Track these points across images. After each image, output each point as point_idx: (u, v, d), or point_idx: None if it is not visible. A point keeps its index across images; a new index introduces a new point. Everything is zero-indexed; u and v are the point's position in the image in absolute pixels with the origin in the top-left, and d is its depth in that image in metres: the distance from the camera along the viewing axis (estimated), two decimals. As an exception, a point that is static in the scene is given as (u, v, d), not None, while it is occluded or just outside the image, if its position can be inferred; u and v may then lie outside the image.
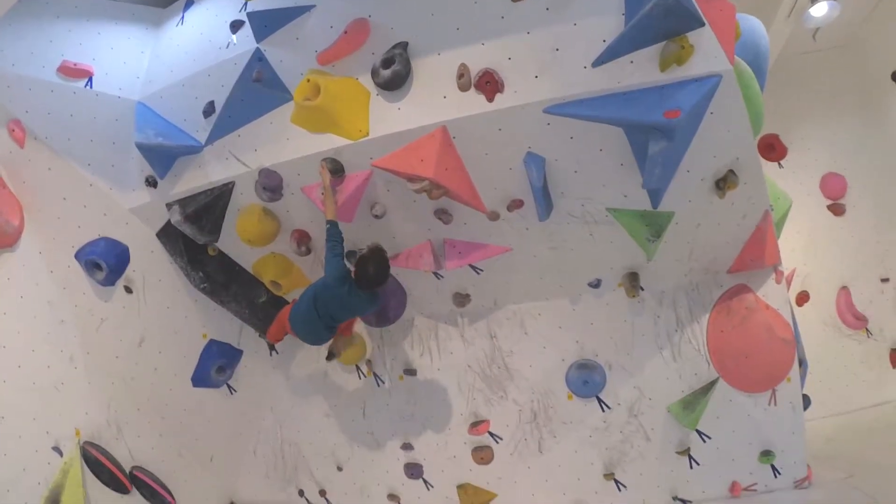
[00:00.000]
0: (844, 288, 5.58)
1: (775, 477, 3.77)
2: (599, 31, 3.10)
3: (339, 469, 4.74)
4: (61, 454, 4.04)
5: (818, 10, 4.99)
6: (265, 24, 3.73)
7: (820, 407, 4.67)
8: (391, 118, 3.47)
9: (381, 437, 4.64)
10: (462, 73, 3.30)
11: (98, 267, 4.12)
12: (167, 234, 4.28)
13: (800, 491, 3.73)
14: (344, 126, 3.53)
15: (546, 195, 3.58)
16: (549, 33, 3.18)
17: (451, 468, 4.46)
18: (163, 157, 4.03)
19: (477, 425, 4.38)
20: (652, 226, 3.65)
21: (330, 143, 3.61)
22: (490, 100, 3.29)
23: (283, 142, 3.76)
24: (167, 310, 4.46)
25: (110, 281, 4.20)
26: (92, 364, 4.24)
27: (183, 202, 4.07)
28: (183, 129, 4.03)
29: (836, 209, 5.57)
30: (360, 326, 4.70)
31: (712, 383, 3.89)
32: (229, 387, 4.78)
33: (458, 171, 3.55)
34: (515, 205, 3.73)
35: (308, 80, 3.54)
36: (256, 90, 3.73)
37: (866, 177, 5.70)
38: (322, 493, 4.81)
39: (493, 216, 3.80)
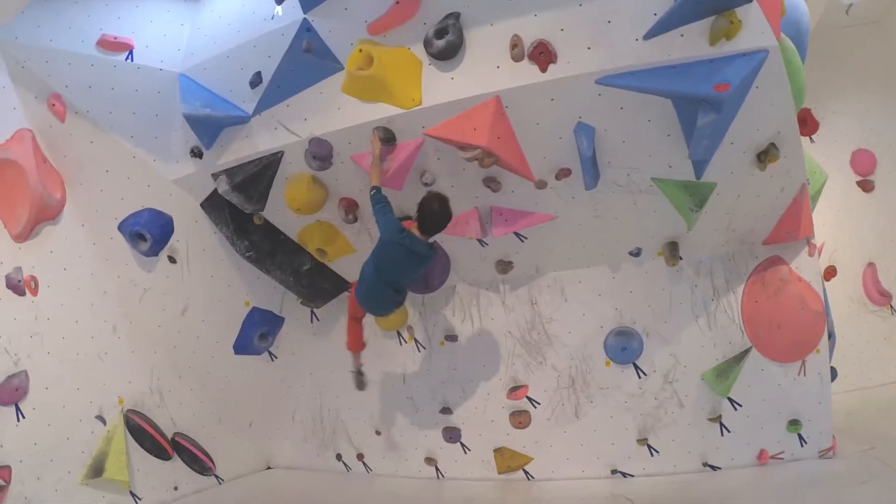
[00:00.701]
0: (871, 264, 5.72)
1: (801, 446, 4.00)
2: (650, 5, 3.25)
3: (378, 433, 4.99)
4: (105, 423, 4.29)
5: None
6: (312, -6, 3.88)
7: (842, 381, 4.88)
8: (444, 87, 3.64)
9: (421, 402, 4.87)
10: (515, 44, 3.46)
11: (142, 238, 4.32)
12: (212, 204, 4.46)
13: (824, 461, 3.95)
14: (397, 95, 3.69)
15: (594, 164, 3.76)
16: (601, 6, 3.32)
17: (488, 432, 4.70)
18: (209, 128, 4.19)
19: (516, 390, 4.61)
20: (695, 196, 3.83)
21: (382, 111, 3.78)
22: (543, 70, 3.45)
23: (333, 111, 3.92)
24: (211, 279, 4.67)
25: (154, 251, 4.40)
26: (135, 333, 4.48)
27: (230, 172, 4.24)
28: (229, 100, 4.17)
29: (866, 185, 5.74)
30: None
31: (745, 352, 4.11)
32: (270, 354, 5.02)
33: (510, 139, 3.72)
34: (563, 173, 3.91)
35: (360, 50, 3.69)
36: (306, 60, 3.86)
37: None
38: (360, 456, 5.06)
39: (541, 184, 3.99)
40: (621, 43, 3.31)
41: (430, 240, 3.81)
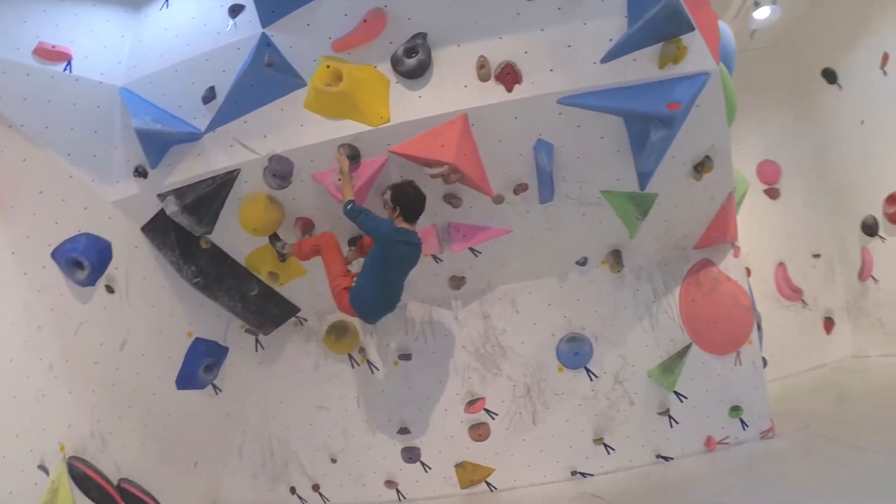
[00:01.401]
0: (781, 264, 6.68)
1: (744, 430, 4.50)
2: (606, 31, 3.65)
3: (333, 461, 4.87)
4: (48, 473, 3.83)
5: (761, 14, 6.12)
6: (272, 9, 3.88)
7: (768, 370, 5.49)
8: (412, 106, 3.78)
9: (377, 424, 4.84)
10: (483, 65, 3.70)
11: (79, 265, 3.95)
12: (156, 228, 4.22)
13: (766, 441, 4.47)
14: (365, 112, 3.77)
15: (551, 179, 4.06)
16: (562, 31, 3.68)
17: (448, 448, 4.77)
18: (157, 146, 4.00)
19: (473, 403, 4.74)
20: (640, 206, 4.27)
21: (348, 129, 3.82)
22: (509, 90, 3.72)
23: (296, 128, 3.90)
24: (151, 308, 4.37)
25: (91, 280, 4.04)
26: (72, 371, 4.05)
27: (179, 192, 4.05)
28: (178, 116, 4.02)
29: (772, 193, 6.70)
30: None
31: (686, 348, 4.58)
32: (214, 386, 4.75)
33: (473, 156, 3.92)
34: (521, 188, 4.18)
35: (328, 66, 3.74)
36: (266, 76, 3.84)
37: (798, 164, 6.90)
38: (315, 487, 4.90)
39: (499, 199, 4.21)
40: (580, 66, 3.68)
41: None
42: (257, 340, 4.92)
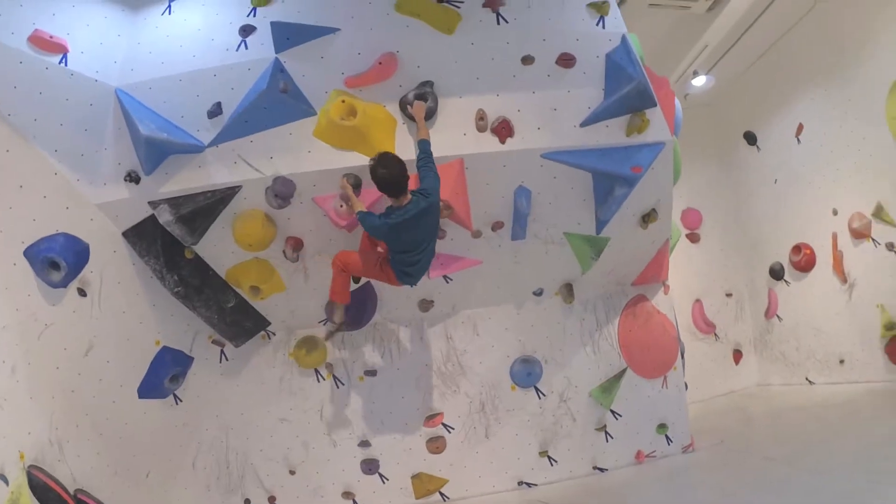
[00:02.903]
0: (698, 301, 8.06)
1: (668, 444, 5.45)
2: (585, 100, 4.51)
3: (292, 473, 5.18)
4: (7, 482, 3.82)
5: (698, 82, 7.53)
6: (287, 36, 4.32)
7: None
8: (414, 147, 4.34)
9: (339, 437, 5.23)
10: (481, 117, 4.39)
11: (55, 266, 4.04)
12: (140, 234, 4.39)
13: (687, 455, 5.44)
14: (373, 147, 4.26)
15: (526, 220, 4.81)
16: (550, 96, 4.48)
17: (406, 460, 5.27)
18: (155, 153, 4.20)
19: (432, 418, 5.31)
20: (595, 247, 5.13)
21: (355, 160, 4.31)
22: (503, 142, 4.43)
23: (303, 153, 4.31)
24: (122, 315, 4.50)
25: (64, 282, 4.13)
26: (34, 376, 4.07)
27: (175, 202, 4.27)
28: (179, 126, 4.26)
29: (693, 237, 8.06)
30: (320, 331, 5.24)
31: (623, 371, 5.48)
32: (175, 397, 4.89)
33: (463, 195, 4.56)
34: (497, 226, 4.88)
35: (343, 101, 4.22)
36: (279, 100, 4.23)
37: (717, 213, 8.38)
38: (271, 499, 5.17)
39: (477, 234, 4.88)
40: (563, 127, 4.49)
41: (415, 193, 4.08)
42: (222, 352, 5.15)
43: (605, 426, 5.41)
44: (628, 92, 4.39)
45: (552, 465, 5.36)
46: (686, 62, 7.17)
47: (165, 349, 4.77)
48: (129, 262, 4.48)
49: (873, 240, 6.40)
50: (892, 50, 5.80)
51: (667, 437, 5.44)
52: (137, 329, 4.60)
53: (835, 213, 6.91)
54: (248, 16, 4.46)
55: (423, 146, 4.14)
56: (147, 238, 4.40)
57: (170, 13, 4.50)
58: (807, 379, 7.45)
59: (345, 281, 4.48)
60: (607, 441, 5.40)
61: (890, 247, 6.20)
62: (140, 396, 4.65)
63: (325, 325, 4.78)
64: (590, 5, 4.60)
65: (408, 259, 4.23)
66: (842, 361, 6.93)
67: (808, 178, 7.30)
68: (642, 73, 4.38)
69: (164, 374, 4.73)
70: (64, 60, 4.03)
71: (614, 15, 4.61)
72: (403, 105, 4.35)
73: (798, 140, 7.37)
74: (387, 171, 3.98)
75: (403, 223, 4.03)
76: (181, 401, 4.96)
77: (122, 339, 4.52)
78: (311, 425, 5.25)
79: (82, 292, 4.25)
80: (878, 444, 4.54)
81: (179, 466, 5.07)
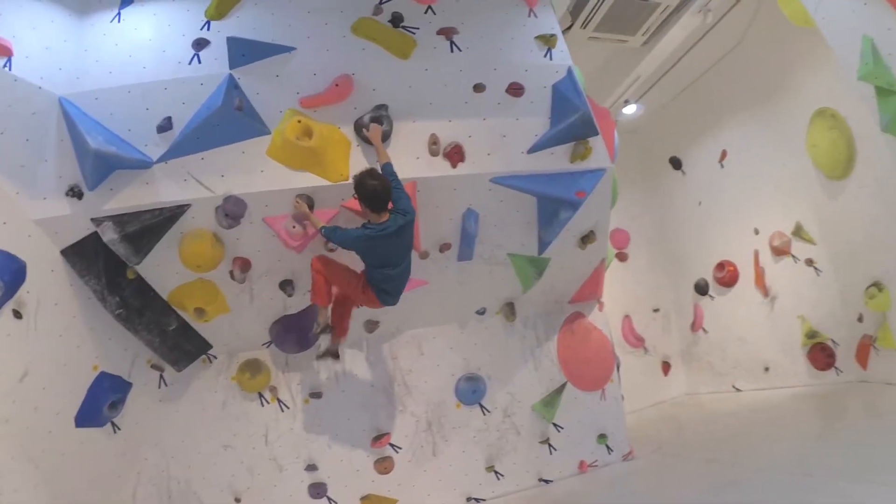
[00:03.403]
0: (627, 316, 8.59)
1: (609, 454, 5.79)
2: (533, 128, 4.84)
3: (237, 500, 5.10)
4: None
5: (629, 110, 8.16)
6: (243, 52, 4.41)
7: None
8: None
9: (285, 462, 5.22)
10: (434, 141, 4.61)
11: (-8, 287, 3.88)
12: (80, 253, 4.28)
13: (627, 462, 5.80)
14: (327, 168, 4.39)
15: (473, 241, 5.05)
16: (500, 123, 4.78)
17: (354, 482, 5.32)
18: (100, 168, 4.13)
19: (379, 438, 5.40)
20: (537, 267, 5.45)
21: (308, 181, 4.41)
22: (454, 166, 4.67)
23: (256, 172, 4.37)
24: (59, 338, 4.33)
25: (-1, 303, 3.98)
26: (-35, 406, 3.90)
27: (119, 219, 4.20)
28: (126, 140, 4.22)
29: (622, 256, 8.59)
30: (264, 354, 5.30)
31: (563, 385, 5.80)
32: (114, 424, 4.74)
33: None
34: (445, 247, 5.10)
35: (299, 121, 4.31)
36: (232, 118, 4.27)
37: (644, 233, 9.01)
38: (216, 528, 5.10)
39: (425, 255, 5.08)
40: (512, 153, 4.79)
41: (393, 212, 4.22)
42: (161, 377, 5.04)
43: (548, 439, 5.69)
44: (573, 121, 4.76)
45: (499, 479, 5.58)
46: (619, 91, 7.73)
47: (103, 375, 4.62)
48: (68, 283, 4.34)
49: (793, 256, 7.17)
50: (812, 85, 6.51)
51: (607, 446, 5.79)
52: (75, 353, 4.44)
53: (756, 232, 7.66)
54: (201, 29, 4.52)
55: (389, 169, 4.31)
56: (88, 257, 4.29)
57: (119, 21, 4.48)
58: (734, 386, 8.13)
59: (322, 282, 4.47)
60: (551, 453, 5.68)
61: (809, 262, 6.95)
62: (77, 425, 4.46)
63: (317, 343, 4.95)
64: (538, 38, 4.97)
65: (385, 274, 4.34)
66: (766, 369, 7.66)
67: (731, 200, 8.05)
68: (586, 104, 4.75)
69: (103, 401, 4.58)
70: (8, 64, 3.92)
71: (561, 48, 5.00)
72: (359, 127, 4.50)
73: (722, 165, 8.12)
74: (378, 182, 4.12)
75: (382, 237, 4.19)
76: (119, 429, 4.80)
77: (59, 365, 4.34)
78: (255, 450, 5.22)
79: (17, 314, 4.05)
80: (808, 442, 5.11)
81: (119, 499, 4.88)
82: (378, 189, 4.12)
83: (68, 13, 4.36)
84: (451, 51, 4.81)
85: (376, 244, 4.18)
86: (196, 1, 4.69)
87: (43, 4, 4.25)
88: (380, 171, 4.27)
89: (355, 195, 4.21)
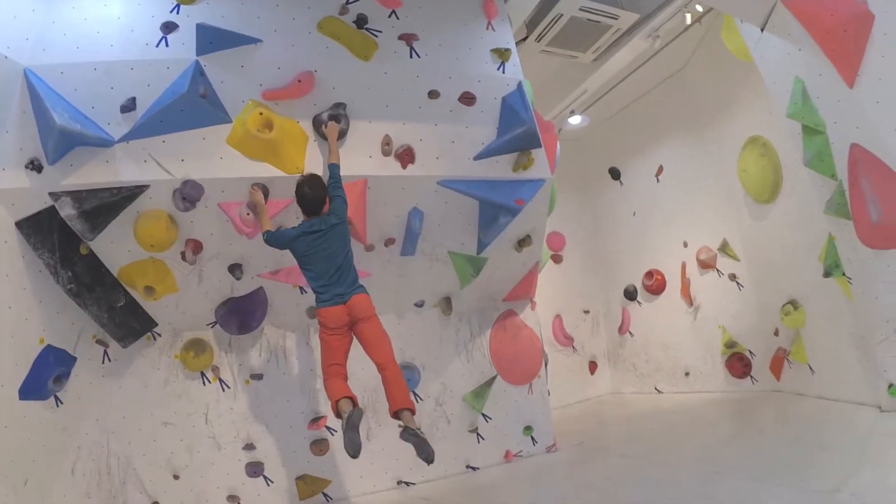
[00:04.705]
0: (558, 316, 9.42)
1: (534, 445, 6.47)
2: (480, 137, 5.45)
3: (176, 477, 5.45)
4: None
5: (574, 120, 8.91)
6: (210, 40, 4.76)
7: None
8: (324, 163, 4.97)
9: (223, 441, 5.62)
10: (388, 142, 5.13)
11: (-58, 255, 4.13)
12: (35, 226, 4.53)
13: (551, 454, 6.49)
14: (283, 160, 4.83)
15: (416, 238, 5.59)
16: (450, 129, 5.36)
17: (290, 462, 5.78)
18: (62, 143, 4.34)
19: (316, 421, 5.87)
20: (475, 266, 6.07)
21: (265, 171, 4.84)
22: (404, 167, 5.21)
23: (215, 159, 4.74)
24: (8, 310, 4.53)
25: (-53, 274, 4.22)
26: None
27: (78, 195, 4.48)
28: (89, 117, 4.47)
29: (556, 258, 9.40)
30: (208, 334, 5.68)
31: (493, 378, 6.44)
32: (56, 398, 5.01)
33: (361, 212, 5.25)
34: (389, 242, 5.64)
35: (260, 114, 4.73)
36: (196, 104, 4.61)
37: (579, 238, 9.93)
38: (153, 504, 5.46)
39: (370, 248, 5.59)
40: (459, 158, 5.38)
41: (325, 215, 4.64)
42: (105, 352, 5.35)
43: (476, 428, 6.31)
44: (519, 134, 5.39)
45: (429, 464, 6.13)
46: (566, 102, 8.46)
47: (49, 348, 4.86)
48: (20, 255, 4.56)
49: (718, 270, 8.11)
50: (747, 114, 7.35)
51: (532, 438, 6.47)
52: (22, 326, 4.66)
53: (685, 245, 8.59)
54: (170, 12, 4.82)
55: (334, 170, 4.79)
56: (42, 231, 4.54)
57: None
58: (656, 388, 9.08)
59: (331, 381, 4.76)
60: (479, 442, 6.30)
61: (732, 277, 7.88)
62: (21, 398, 4.69)
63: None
64: (493, 51, 5.59)
65: (319, 281, 4.70)
66: (687, 374, 8.62)
67: (664, 213, 8.97)
68: (532, 119, 5.39)
69: (48, 375, 4.82)
70: (-25, 31, 4.11)
71: (514, 62, 5.65)
72: (318, 124, 4.96)
73: (657, 179, 9.01)
74: (311, 192, 4.61)
75: (310, 234, 4.62)
76: (62, 403, 5.06)
77: (6, 336, 4.55)
78: (195, 429, 5.59)
79: (-34, 285, 4.33)
80: (720, 443, 5.90)
81: (58, 473, 5.12)
82: (309, 196, 4.61)
83: None
84: (411, 56, 5.35)
85: (306, 239, 4.60)
86: (167, -19, 4.99)
87: (14, -29, 4.37)
88: (324, 172, 4.75)
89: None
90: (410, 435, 4.52)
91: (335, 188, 4.74)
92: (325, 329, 4.79)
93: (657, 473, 5.10)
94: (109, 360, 5.39)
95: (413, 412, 4.63)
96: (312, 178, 4.71)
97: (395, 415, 4.64)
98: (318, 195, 4.65)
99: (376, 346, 4.81)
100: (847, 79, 4.86)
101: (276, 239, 4.71)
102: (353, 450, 4.38)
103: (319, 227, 4.64)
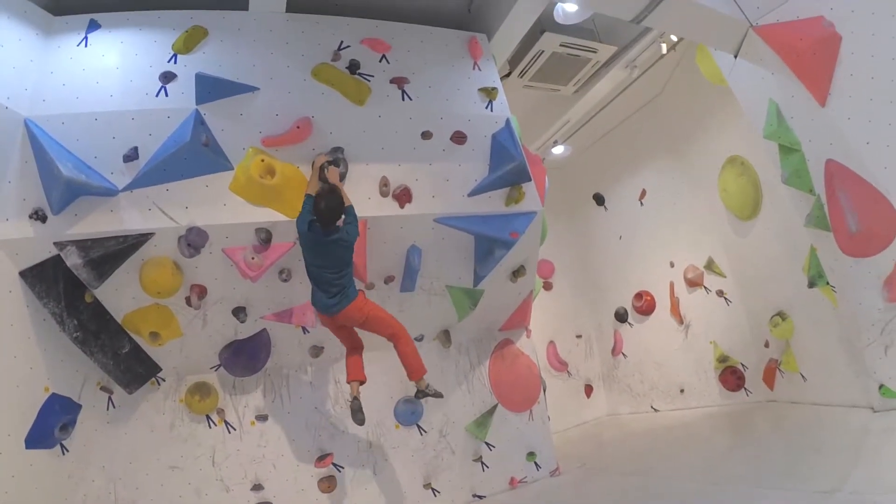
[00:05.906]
0: (551, 342, 9.49)
1: (537, 470, 6.51)
2: (473, 174, 5.58)
3: (183, 521, 5.47)
4: None
5: (557, 150, 9.12)
6: (209, 89, 4.86)
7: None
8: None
9: (231, 482, 5.59)
10: (385, 183, 5.24)
11: (-52, 308, 4.16)
12: (40, 276, 4.57)
13: (554, 478, 6.53)
14: (286, 205, 4.92)
15: (415, 275, 5.69)
16: (443, 168, 5.48)
17: (299, 501, 5.74)
18: (66, 193, 4.40)
19: (322, 458, 5.88)
20: (472, 298, 6.16)
21: (268, 216, 4.93)
22: (402, 207, 5.32)
23: (219, 206, 4.82)
24: (14, 359, 4.57)
25: (-45, 326, 4.25)
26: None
27: (83, 245, 4.53)
28: (92, 167, 4.54)
29: (547, 285, 9.50)
30: (212, 377, 5.70)
31: (494, 407, 6.50)
32: (62, 446, 5.01)
33: (362, 251, 5.34)
34: (389, 279, 5.73)
35: (262, 160, 4.84)
36: (199, 152, 4.70)
37: (568, 264, 10.06)
38: (162, 549, 5.41)
39: (370, 286, 5.68)
40: (453, 196, 5.50)
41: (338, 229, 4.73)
42: (110, 399, 5.34)
43: (480, 457, 6.35)
44: (509, 169, 5.53)
45: (436, 495, 6.16)
46: (550, 133, 8.69)
47: (54, 396, 4.87)
48: (24, 304, 4.60)
49: (705, 287, 8.31)
50: (724, 135, 7.61)
51: (535, 463, 6.51)
52: (28, 375, 4.68)
53: (672, 265, 8.77)
54: (168, 62, 4.93)
55: (349, 211, 4.84)
56: (47, 280, 4.58)
57: (86, 45, 4.81)
58: (652, 407, 9.16)
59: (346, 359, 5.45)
60: (483, 470, 6.33)
61: (720, 293, 8.06)
62: (27, 447, 4.69)
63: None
64: (481, 90, 5.76)
65: (318, 272, 4.82)
66: (682, 390, 8.74)
67: (649, 235, 9.17)
68: (521, 154, 5.55)
69: (54, 423, 4.83)
70: (-26, 82, 4.16)
71: (501, 100, 5.80)
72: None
73: (641, 203, 9.22)
74: (325, 206, 4.63)
75: (318, 236, 4.70)
76: (67, 451, 5.05)
77: (12, 386, 4.57)
78: (202, 472, 5.57)
79: (-28, 336, 4.35)
80: (717, 455, 6.01)
81: None
82: (323, 210, 4.64)
83: (35, 33, 4.57)
84: (403, 99, 5.50)
85: (314, 237, 4.70)
86: (163, 32, 5.07)
87: (11, 22, 4.43)
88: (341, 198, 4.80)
89: None
90: (423, 394, 5.31)
91: (351, 221, 4.82)
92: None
93: (659, 488, 5.18)
94: (114, 407, 5.39)
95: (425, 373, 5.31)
96: (331, 192, 4.75)
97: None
98: (332, 208, 4.66)
99: (379, 329, 5.21)
100: (819, 98, 5.10)
101: (306, 212, 4.73)
102: (359, 423, 5.19)
103: (328, 235, 4.71)
